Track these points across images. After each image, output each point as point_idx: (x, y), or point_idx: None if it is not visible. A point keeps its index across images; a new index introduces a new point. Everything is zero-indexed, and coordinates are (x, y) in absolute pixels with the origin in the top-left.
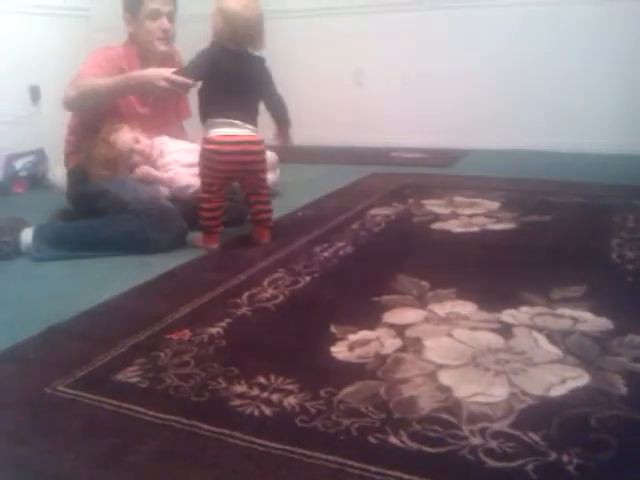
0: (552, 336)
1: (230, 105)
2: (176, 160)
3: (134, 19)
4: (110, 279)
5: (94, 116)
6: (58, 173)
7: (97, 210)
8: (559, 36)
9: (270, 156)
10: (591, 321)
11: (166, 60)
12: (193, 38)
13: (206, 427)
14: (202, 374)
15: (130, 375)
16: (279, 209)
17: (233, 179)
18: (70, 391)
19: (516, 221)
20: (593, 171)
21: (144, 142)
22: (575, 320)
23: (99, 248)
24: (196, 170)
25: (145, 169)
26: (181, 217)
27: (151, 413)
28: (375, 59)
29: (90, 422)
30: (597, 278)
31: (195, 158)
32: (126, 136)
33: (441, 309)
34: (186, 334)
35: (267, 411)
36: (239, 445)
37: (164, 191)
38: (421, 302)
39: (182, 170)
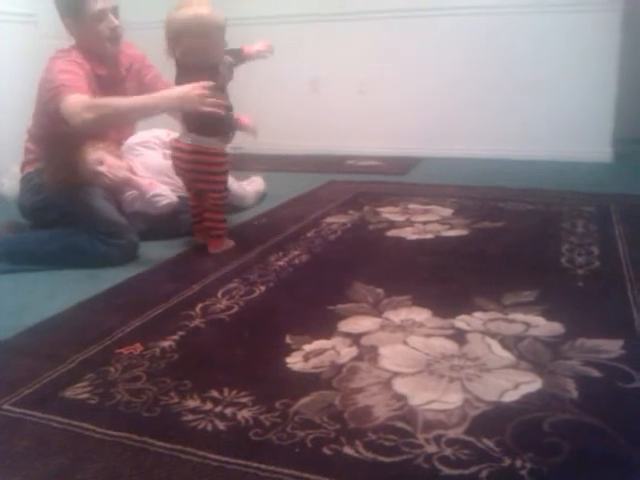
0: (505, 341)
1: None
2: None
3: (77, 23)
4: (57, 293)
5: (63, 131)
6: (6, 182)
7: (47, 221)
8: (515, 46)
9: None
10: (543, 326)
11: (126, 58)
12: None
13: (158, 443)
14: (154, 389)
15: (79, 391)
16: (234, 218)
17: (186, 184)
18: (17, 410)
19: (469, 228)
20: (543, 178)
21: (109, 163)
22: (527, 325)
23: (45, 262)
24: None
25: (126, 174)
26: (132, 231)
27: (101, 430)
28: (331, 67)
29: (38, 441)
30: (548, 283)
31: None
32: (89, 158)
33: (396, 316)
34: (137, 348)
35: (221, 425)
36: (192, 461)
37: (137, 200)
38: (376, 310)
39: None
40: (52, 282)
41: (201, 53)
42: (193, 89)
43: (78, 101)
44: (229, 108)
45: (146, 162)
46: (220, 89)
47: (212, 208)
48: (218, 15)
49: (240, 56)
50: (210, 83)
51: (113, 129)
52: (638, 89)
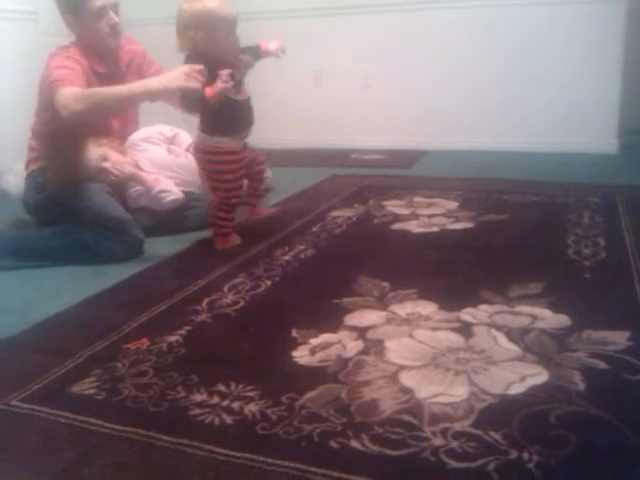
0: (511, 334)
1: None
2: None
3: (77, 19)
4: (64, 289)
5: (66, 126)
6: (11, 180)
7: (51, 218)
8: (520, 38)
9: None
10: (549, 318)
11: (126, 54)
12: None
13: (165, 438)
14: (161, 384)
15: (86, 387)
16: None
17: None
18: (25, 405)
19: (474, 220)
20: (548, 170)
21: (113, 159)
22: (534, 317)
23: (50, 258)
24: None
25: (131, 170)
26: (137, 227)
27: (108, 425)
28: (335, 61)
29: (46, 437)
30: (554, 275)
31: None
32: (92, 154)
33: (402, 310)
34: (144, 343)
35: (228, 419)
36: (198, 455)
37: (142, 196)
38: (382, 303)
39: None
40: (58, 278)
41: (208, 46)
42: (179, 69)
43: (69, 93)
44: (242, 104)
45: (150, 157)
46: (237, 83)
47: (218, 206)
48: (226, 8)
49: (258, 53)
50: (199, 66)
51: (105, 117)
52: None
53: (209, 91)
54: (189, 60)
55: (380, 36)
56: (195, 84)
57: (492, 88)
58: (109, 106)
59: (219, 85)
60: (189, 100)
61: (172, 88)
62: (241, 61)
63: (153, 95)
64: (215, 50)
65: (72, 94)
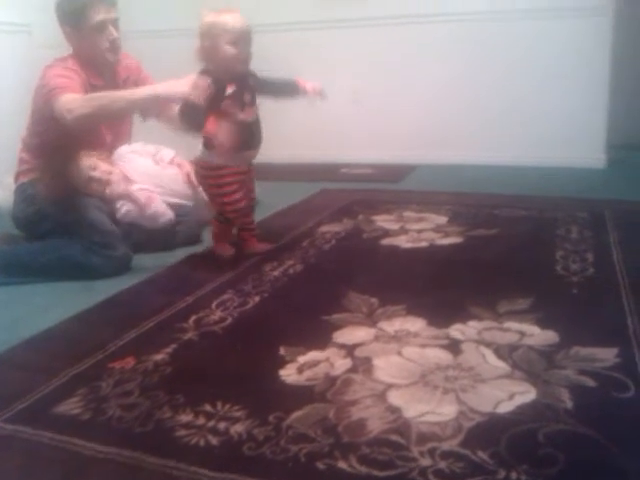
0: (499, 351)
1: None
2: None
3: (76, 32)
4: (52, 306)
5: (59, 138)
6: None
7: (41, 232)
8: (507, 53)
9: None
10: (537, 334)
11: (123, 70)
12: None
13: (150, 459)
14: (146, 403)
15: (71, 407)
16: None
17: None
18: (8, 426)
19: (463, 235)
20: (537, 185)
21: (102, 169)
22: (522, 334)
23: (38, 274)
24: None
25: (126, 188)
26: (126, 242)
27: (92, 446)
28: (325, 75)
29: (29, 458)
30: (543, 291)
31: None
32: (82, 164)
33: (391, 326)
34: (129, 362)
35: (213, 440)
36: (184, 477)
37: (132, 212)
38: (371, 320)
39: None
40: (47, 294)
41: (211, 55)
42: (187, 77)
43: (71, 99)
44: (247, 124)
45: (137, 168)
46: (249, 103)
47: (216, 216)
48: (236, 21)
49: (296, 89)
50: (207, 79)
51: (108, 120)
52: (631, 94)
53: (210, 127)
54: (203, 73)
55: (370, 50)
56: (198, 95)
57: (481, 104)
58: (114, 110)
59: (220, 134)
60: (189, 115)
61: (177, 93)
62: (253, 86)
63: (159, 99)
64: (217, 60)
65: (74, 99)
